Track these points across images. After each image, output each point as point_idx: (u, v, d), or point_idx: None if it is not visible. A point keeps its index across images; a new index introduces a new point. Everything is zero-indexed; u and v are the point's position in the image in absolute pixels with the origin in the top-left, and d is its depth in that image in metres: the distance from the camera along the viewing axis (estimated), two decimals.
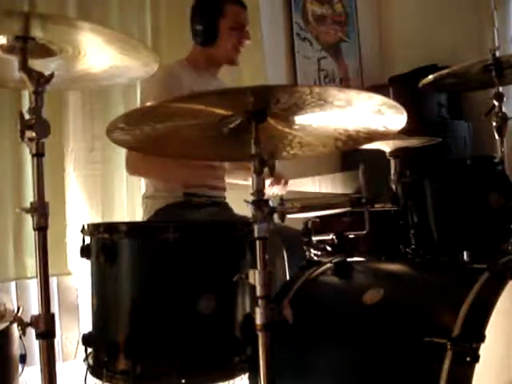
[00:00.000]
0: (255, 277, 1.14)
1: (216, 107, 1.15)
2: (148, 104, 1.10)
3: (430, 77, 1.99)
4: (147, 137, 1.28)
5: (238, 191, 2.26)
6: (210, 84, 2.20)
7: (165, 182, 2.13)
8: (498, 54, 1.90)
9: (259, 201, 1.15)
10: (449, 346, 1.08)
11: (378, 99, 1.13)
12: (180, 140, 1.34)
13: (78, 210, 2.68)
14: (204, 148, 1.42)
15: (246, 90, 1.11)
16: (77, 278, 2.64)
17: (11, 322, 1.72)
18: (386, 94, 1.12)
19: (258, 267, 1.14)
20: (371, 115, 1.20)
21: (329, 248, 1.69)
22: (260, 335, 1.13)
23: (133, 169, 2.11)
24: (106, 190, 2.75)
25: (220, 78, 2.33)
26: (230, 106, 1.15)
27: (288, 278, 1.73)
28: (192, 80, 2.12)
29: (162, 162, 1.96)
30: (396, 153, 1.93)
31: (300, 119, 1.22)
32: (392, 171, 1.92)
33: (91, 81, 1.43)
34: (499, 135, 1.96)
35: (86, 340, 1.43)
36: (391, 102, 1.14)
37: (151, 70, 1.34)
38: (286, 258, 1.83)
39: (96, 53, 1.27)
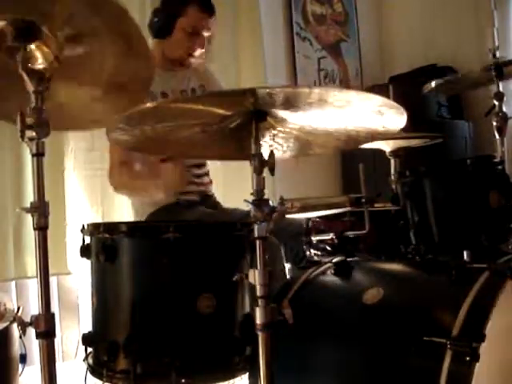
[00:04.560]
0: (255, 276, 1.14)
1: (215, 107, 1.14)
2: (148, 104, 1.10)
3: (433, 84, 2.00)
4: (147, 137, 1.27)
5: (228, 188, 2.28)
6: (173, 81, 2.15)
7: (146, 194, 2.09)
8: (497, 53, 1.91)
9: (259, 200, 1.15)
10: (449, 346, 1.08)
11: (377, 100, 1.13)
12: (180, 140, 1.34)
13: (78, 210, 2.68)
14: (204, 148, 1.42)
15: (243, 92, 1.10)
16: (77, 278, 2.65)
17: (11, 322, 1.72)
18: (386, 94, 1.13)
19: (258, 267, 1.14)
20: (371, 115, 1.20)
21: (329, 248, 1.69)
22: (260, 335, 1.14)
23: (115, 185, 2.10)
24: (106, 190, 2.74)
25: (194, 69, 2.24)
26: (230, 106, 1.14)
27: (288, 277, 1.74)
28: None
29: (137, 174, 1.95)
30: (396, 152, 1.93)
31: (300, 120, 1.22)
32: (392, 171, 1.92)
33: None
34: (499, 135, 1.96)
35: (86, 340, 1.43)
36: (391, 102, 1.14)
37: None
38: (284, 257, 1.84)
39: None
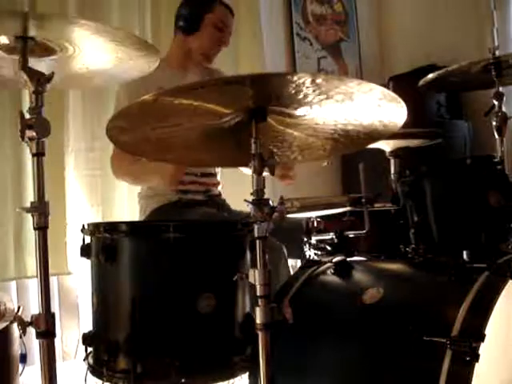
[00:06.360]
0: (255, 276, 1.14)
1: (214, 103, 1.14)
2: (146, 96, 1.09)
3: (430, 76, 1.99)
4: (147, 139, 1.27)
5: (234, 187, 2.28)
6: (185, 81, 2.16)
7: (145, 181, 2.13)
8: (497, 53, 1.90)
9: (259, 200, 1.15)
10: (448, 346, 1.08)
11: (377, 91, 1.12)
12: (180, 144, 1.34)
13: (78, 210, 2.68)
14: (204, 154, 1.41)
15: (243, 79, 1.07)
16: (77, 278, 2.65)
17: (11, 322, 1.72)
18: None
19: (258, 267, 1.15)
20: (371, 110, 1.19)
21: (329, 248, 1.69)
22: (260, 335, 1.14)
23: (116, 172, 2.13)
24: (105, 190, 2.74)
25: (206, 71, 2.30)
26: (229, 102, 1.14)
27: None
28: (163, 78, 2.08)
29: (141, 164, 1.97)
30: (396, 152, 1.93)
31: (300, 116, 1.21)
32: (392, 171, 1.92)
33: (92, 78, 1.43)
34: (499, 135, 1.95)
35: (86, 339, 1.43)
36: (391, 94, 1.13)
37: (153, 64, 1.33)
38: (287, 259, 1.84)
39: (95, 50, 1.27)
